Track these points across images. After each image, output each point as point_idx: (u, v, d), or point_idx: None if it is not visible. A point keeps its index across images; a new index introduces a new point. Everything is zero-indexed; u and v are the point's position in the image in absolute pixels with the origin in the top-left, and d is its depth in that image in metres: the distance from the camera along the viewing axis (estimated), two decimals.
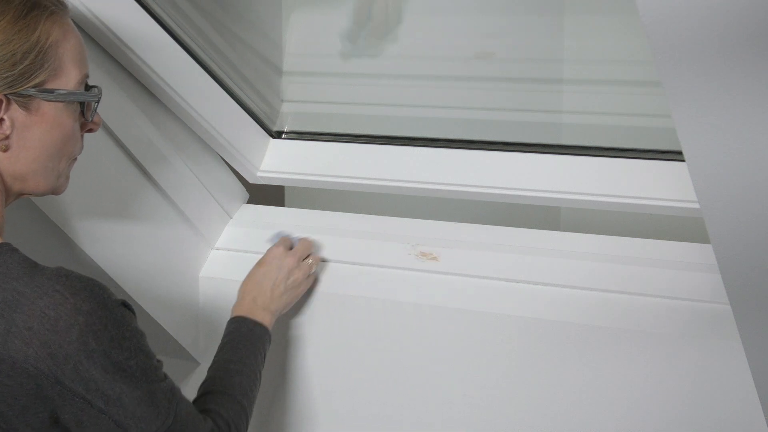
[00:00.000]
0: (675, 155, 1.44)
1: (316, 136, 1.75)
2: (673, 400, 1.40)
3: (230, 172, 1.76)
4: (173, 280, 1.66)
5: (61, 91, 1.15)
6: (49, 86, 1.14)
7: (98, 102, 1.22)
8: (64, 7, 1.18)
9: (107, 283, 1.53)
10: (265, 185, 1.77)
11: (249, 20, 1.85)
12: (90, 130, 1.24)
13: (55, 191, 1.21)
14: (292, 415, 1.67)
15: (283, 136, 1.77)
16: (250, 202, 1.82)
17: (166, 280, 1.65)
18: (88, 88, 1.20)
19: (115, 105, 1.49)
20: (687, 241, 1.47)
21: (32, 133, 1.14)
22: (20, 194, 1.19)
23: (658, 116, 1.54)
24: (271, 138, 1.76)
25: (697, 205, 1.36)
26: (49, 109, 1.14)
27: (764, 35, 0.86)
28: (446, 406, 1.56)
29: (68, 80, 1.16)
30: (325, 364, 1.64)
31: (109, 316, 1.08)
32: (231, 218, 1.78)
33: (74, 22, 1.21)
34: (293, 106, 1.82)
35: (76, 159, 1.23)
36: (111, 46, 1.46)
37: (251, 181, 1.75)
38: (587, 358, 1.45)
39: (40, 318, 1.04)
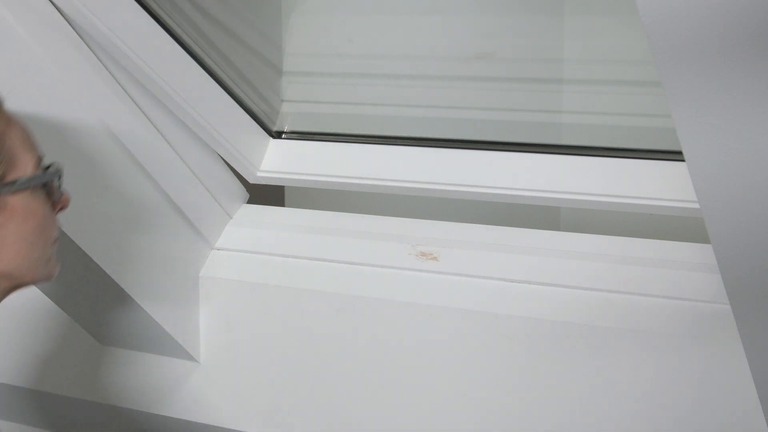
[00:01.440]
0: (675, 155, 1.44)
1: (316, 136, 1.75)
2: (673, 400, 1.40)
3: (230, 172, 1.76)
4: (173, 280, 1.66)
5: (23, 179, 1.11)
6: (9, 179, 1.09)
7: (60, 178, 1.17)
8: None
9: (109, 283, 1.54)
10: (265, 185, 1.77)
11: (249, 20, 1.85)
12: (62, 209, 1.19)
13: (48, 277, 1.18)
14: (291, 415, 1.67)
15: (283, 136, 1.77)
16: (250, 202, 1.82)
17: (166, 280, 1.65)
18: (45, 169, 1.16)
19: (114, 104, 1.49)
20: (687, 241, 1.47)
21: (8, 230, 1.10)
22: (12, 290, 1.15)
23: (658, 116, 1.54)
24: (271, 138, 1.76)
25: (697, 205, 1.35)
26: (16, 201, 1.10)
27: (764, 35, 0.86)
28: (446, 406, 1.56)
29: (25, 167, 1.11)
30: (325, 364, 1.64)
31: None
32: (231, 218, 1.78)
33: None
34: (293, 106, 1.82)
35: (56, 241, 1.19)
36: (110, 45, 1.46)
37: (251, 181, 1.75)
38: (587, 358, 1.45)
39: None
